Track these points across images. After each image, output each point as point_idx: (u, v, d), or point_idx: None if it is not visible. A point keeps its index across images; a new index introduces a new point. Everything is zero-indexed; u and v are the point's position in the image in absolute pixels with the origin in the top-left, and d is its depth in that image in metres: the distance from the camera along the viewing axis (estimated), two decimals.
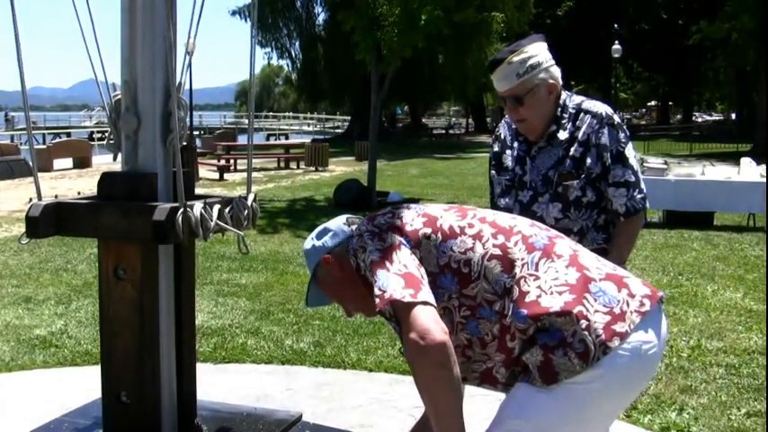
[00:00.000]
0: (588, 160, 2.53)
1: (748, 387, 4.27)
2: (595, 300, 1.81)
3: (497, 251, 1.88)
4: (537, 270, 1.85)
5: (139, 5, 2.37)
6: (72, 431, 2.66)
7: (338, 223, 2.11)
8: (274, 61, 46.39)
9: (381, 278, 1.82)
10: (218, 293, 6.55)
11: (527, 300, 1.82)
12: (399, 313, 1.79)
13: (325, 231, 2.10)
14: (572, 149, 2.54)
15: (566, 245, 1.95)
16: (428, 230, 1.93)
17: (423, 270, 1.87)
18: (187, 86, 2.84)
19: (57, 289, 6.70)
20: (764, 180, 9.94)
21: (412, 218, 1.97)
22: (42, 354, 4.90)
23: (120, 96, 2.46)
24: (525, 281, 1.84)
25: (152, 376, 2.40)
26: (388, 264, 1.85)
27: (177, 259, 2.51)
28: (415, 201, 13.37)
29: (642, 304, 1.84)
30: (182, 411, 2.56)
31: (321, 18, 41.27)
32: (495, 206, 2.77)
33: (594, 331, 1.77)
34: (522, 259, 1.87)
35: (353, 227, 2.07)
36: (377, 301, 1.82)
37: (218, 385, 4.09)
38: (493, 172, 2.76)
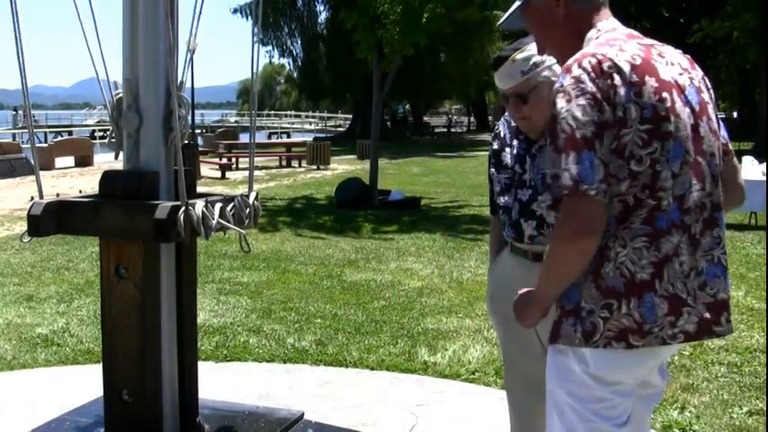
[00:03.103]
0: None
1: (750, 385, 4.26)
2: (636, 306, 1.79)
3: (637, 193, 1.79)
4: (631, 240, 1.80)
5: (141, 4, 2.37)
6: (74, 430, 2.66)
7: None
8: (276, 60, 46.56)
9: (579, 160, 1.74)
10: (219, 292, 6.56)
11: (603, 253, 1.81)
12: (573, 195, 1.74)
13: None
14: None
15: (681, 241, 1.82)
16: (610, 118, 1.77)
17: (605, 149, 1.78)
18: (188, 85, 2.84)
19: (58, 287, 6.70)
20: (765, 179, 9.92)
21: (625, 99, 1.77)
22: (44, 352, 4.90)
23: (121, 95, 2.47)
24: (617, 239, 1.81)
25: (153, 375, 2.40)
26: (587, 143, 1.74)
27: (179, 258, 2.51)
28: (417, 199, 13.37)
29: (672, 337, 1.82)
30: (183, 410, 2.56)
31: (323, 16, 41.35)
32: (494, 204, 2.77)
33: (611, 327, 1.81)
34: (632, 223, 1.80)
35: None
36: (563, 181, 1.75)
37: (220, 384, 4.09)
38: (492, 170, 2.75)
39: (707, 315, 1.85)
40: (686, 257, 1.82)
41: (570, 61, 1.83)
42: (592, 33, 1.94)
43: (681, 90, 1.85)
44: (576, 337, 1.84)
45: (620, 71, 1.77)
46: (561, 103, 1.78)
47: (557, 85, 1.83)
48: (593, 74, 1.77)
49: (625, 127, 1.76)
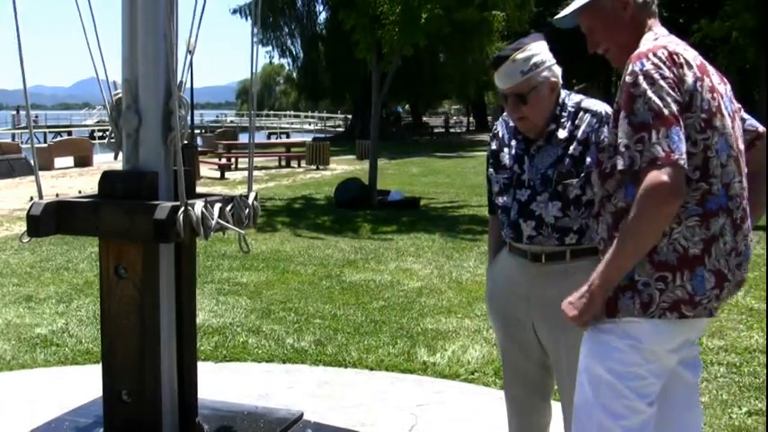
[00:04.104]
0: (588, 159, 2.52)
1: (749, 386, 4.27)
2: (689, 279, 2.00)
3: (689, 174, 1.97)
4: (686, 219, 2.00)
5: (140, 4, 2.37)
6: (73, 430, 2.66)
7: None
8: (275, 60, 46.50)
9: (669, 135, 1.91)
10: (218, 292, 6.56)
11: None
12: (666, 164, 1.89)
13: None
14: (571, 148, 2.53)
15: (726, 223, 2.03)
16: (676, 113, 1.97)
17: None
18: (188, 85, 2.84)
19: (58, 288, 6.70)
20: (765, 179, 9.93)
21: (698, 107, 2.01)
22: (43, 352, 4.90)
23: (121, 95, 2.46)
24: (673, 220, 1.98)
25: (153, 375, 2.40)
26: (675, 119, 1.94)
27: (178, 258, 2.51)
28: (417, 199, 13.37)
29: (718, 309, 2.03)
30: (182, 410, 2.56)
31: (322, 17, 41.33)
32: (492, 204, 2.77)
33: (666, 299, 2.00)
34: (688, 203, 1.99)
35: None
36: (655, 152, 1.90)
37: (219, 384, 4.10)
38: (491, 170, 2.75)
39: (735, 291, 2.10)
40: (729, 238, 2.04)
41: (643, 50, 2.04)
42: (650, 35, 2.15)
43: (722, 96, 2.11)
44: (635, 309, 2.01)
45: (687, 63, 2.02)
46: (645, 84, 1.97)
47: (634, 68, 2.00)
48: (668, 62, 1.99)
49: (690, 111, 1.99)
